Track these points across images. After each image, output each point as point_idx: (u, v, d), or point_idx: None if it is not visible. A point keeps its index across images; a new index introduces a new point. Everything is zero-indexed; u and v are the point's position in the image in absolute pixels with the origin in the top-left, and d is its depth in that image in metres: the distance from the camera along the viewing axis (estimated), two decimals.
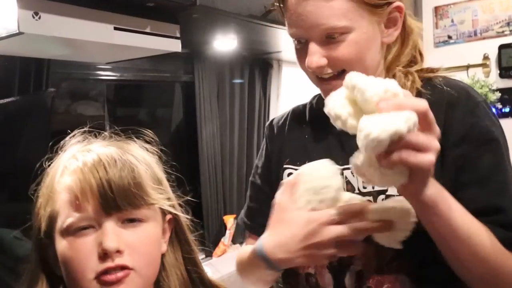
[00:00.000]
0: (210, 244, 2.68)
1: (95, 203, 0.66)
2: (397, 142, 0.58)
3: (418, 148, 0.60)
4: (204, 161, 2.68)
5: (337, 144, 0.90)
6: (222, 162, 2.79)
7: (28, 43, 1.36)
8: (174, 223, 0.76)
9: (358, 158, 0.65)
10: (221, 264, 2.07)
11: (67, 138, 0.76)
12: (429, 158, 0.61)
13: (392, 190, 0.82)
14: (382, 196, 0.83)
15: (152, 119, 2.93)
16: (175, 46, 1.59)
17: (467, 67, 3.34)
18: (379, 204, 0.73)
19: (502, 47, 3.24)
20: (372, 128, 0.58)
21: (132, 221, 0.68)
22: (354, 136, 0.86)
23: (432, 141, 0.61)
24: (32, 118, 1.68)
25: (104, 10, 1.37)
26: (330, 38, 0.81)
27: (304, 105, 1.03)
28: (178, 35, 1.60)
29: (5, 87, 1.58)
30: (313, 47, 0.83)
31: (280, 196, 0.80)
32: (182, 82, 2.83)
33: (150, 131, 0.79)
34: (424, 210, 0.68)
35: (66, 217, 0.66)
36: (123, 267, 0.65)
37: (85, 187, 0.66)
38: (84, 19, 1.32)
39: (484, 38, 3.35)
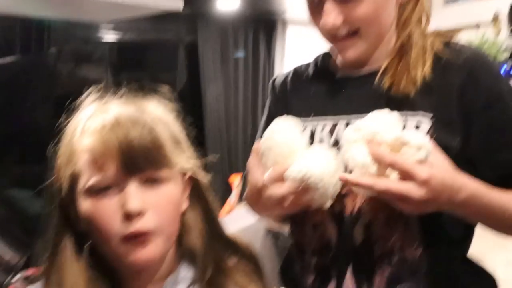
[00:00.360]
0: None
1: (116, 164, 0.66)
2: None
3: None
4: (209, 122, 2.68)
5: (344, 95, 0.90)
6: (227, 123, 2.79)
7: (28, 2, 1.34)
8: (193, 181, 0.76)
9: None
10: (228, 223, 2.10)
11: (83, 96, 0.75)
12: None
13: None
14: None
15: (155, 82, 2.91)
16: (176, 4, 1.56)
17: (477, 26, 3.26)
18: (295, 170, 0.74)
19: None
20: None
21: (153, 181, 0.69)
22: (363, 90, 0.88)
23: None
24: (35, 79, 1.68)
25: None
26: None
27: (307, 64, 1.02)
28: None
29: (6, 47, 1.57)
30: (330, 5, 0.82)
31: (249, 159, 0.85)
32: (185, 43, 2.79)
33: (167, 87, 0.79)
34: (455, 210, 0.75)
35: (88, 178, 0.66)
36: (145, 232, 0.66)
37: (106, 148, 0.66)
38: None
39: None
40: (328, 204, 0.77)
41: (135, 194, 0.66)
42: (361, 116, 0.84)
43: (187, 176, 0.75)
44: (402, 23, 0.89)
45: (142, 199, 0.66)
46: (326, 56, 1.00)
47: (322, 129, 0.88)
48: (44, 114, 1.72)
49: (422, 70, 0.83)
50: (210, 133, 2.68)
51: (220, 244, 0.78)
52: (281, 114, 0.98)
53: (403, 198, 0.70)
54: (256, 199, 0.82)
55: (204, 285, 0.74)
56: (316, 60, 1.01)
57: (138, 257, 0.66)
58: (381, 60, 0.89)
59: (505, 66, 3.15)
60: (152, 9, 1.54)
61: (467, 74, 0.83)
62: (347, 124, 0.86)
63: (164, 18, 1.87)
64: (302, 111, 0.93)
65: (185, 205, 0.76)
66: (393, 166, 0.70)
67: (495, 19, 3.25)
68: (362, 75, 0.91)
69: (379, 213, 0.83)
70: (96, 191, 0.67)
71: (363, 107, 0.85)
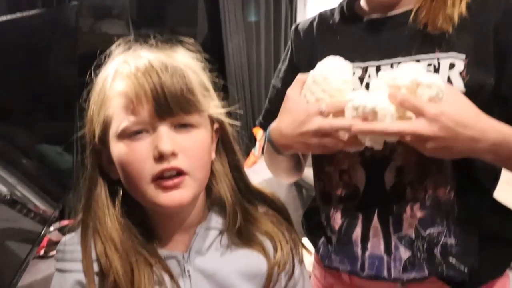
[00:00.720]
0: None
1: (149, 108, 0.67)
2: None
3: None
4: (231, 75, 2.65)
5: (374, 40, 0.88)
6: (249, 75, 2.76)
7: None
8: (221, 132, 0.77)
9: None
10: (252, 174, 2.13)
11: (113, 46, 0.75)
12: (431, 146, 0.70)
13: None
14: None
15: (177, 36, 2.89)
16: None
17: None
18: (360, 101, 0.72)
19: None
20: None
21: (184, 126, 0.70)
22: (394, 32, 0.85)
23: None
24: (58, 33, 1.68)
25: None
26: None
27: (332, 10, 0.99)
28: None
29: (28, 0, 1.56)
30: None
31: (290, 89, 0.83)
32: None
33: (192, 39, 0.78)
34: (484, 156, 0.73)
35: (121, 121, 0.68)
36: (178, 172, 0.68)
37: (139, 91, 0.67)
38: None
39: None
40: (378, 147, 0.75)
41: (167, 136, 0.67)
42: (391, 61, 0.84)
43: (215, 126, 0.76)
44: None
45: (174, 141, 0.68)
46: (352, 0, 0.96)
47: (353, 74, 0.86)
48: (68, 71, 1.73)
49: (459, 6, 0.80)
50: (232, 86, 2.67)
51: (247, 193, 0.80)
52: (307, 61, 0.96)
53: (417, 137, 0.69)
54: (296, 128, 0.79)
55: (234, 233, 0.76)
56: (341, 4, 0.98)
57: (171, 200, 0.68)
58: (410, 0, 0.86)
59: None
60: None
61: (503, 13, 0.80)
62: (377, 69, 0.85)
63: None
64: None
65: (213, 154, 0.77)
66: (403, 104, 0.69)
67: None
68: (393, 15, 0.87)
69: (411, 156, 0.82)
70: (128, 134, 0.68)
71: (395, 50, 0.83)
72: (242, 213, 0.77)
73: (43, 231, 1.47)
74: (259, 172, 1.97)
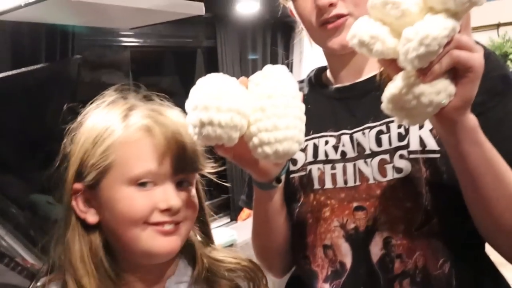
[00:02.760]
0: (235, 208, 2.73)
1: (170, 162, 0.68)
2: (446, 45, 0.56)
3: (467, 48, 0.57)
4: None
5: (344, 109, 0.87)
6: None
7: (54, 9, 1.37)
8: (196, 182, 0.78)
9: (393, 86, 0.61)
10: (246, 227, 2.11)
11: (100, 95, 0.76)
12: (480, 55, 0.58)
13: (413, 145, 0.78)
14: (401, 152, 0.78)
15: (174, 87, 2.94)
16: (198, 9, 1.57)
17: (498, 25, 3.21)
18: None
19: None
20: (428, 29, 0.54)
21: (182, 184, 0.72)
22: (362, 100, 0.84)
23: (474, 42, 0.59)
24: (60, 85, 1.71)
25: None
26: None
27: (302, 81, 0.99)
28: None
29: (33, 54, 1.60)
30: None
31: None
32: (204, 47, 2.81)
33: (167, 96, 0.79)
34: (465, 136, 0.64)
35: (136, 168, 0.68)
36: (176, 222, 0.70)
37: (165, 144, 0.68)
38: None
39: None
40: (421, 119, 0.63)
41: (175, 192, 0.69)
42: (363, 127, 0.83)
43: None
44: None
45: (180, 198, 0.70)
46: (319, 71, 0.98)
47: (326, 143, 0.86)
48: (67, 120, 1.74)
49: None
50: None
51: (208, 242, 0.81)
52: None
53: (467, 63, 0.58)
54: None
55: (202, 284, 0.76)
56: (309, 75, 0.99)
57: (168, 244, 0.69)
58: (371, 64, 0.86)
59: None
60: (175, 14, 1.55)
61: None
62: (350, 138, 0.84)
63: (183, 23, 1.89)
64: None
65: None
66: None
67: None
68: (359, 82, 0.88)
69: (398, 224, 0.78)
70: (136, 182, 0.68)
71: (365, 117, 0.83)
72: (209, 264, 0.77)
73: (30, 286, 1.42)
74: (249, 228, 1.96)
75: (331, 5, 0.80)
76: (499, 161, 0.68)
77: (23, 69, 1.40)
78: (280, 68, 0.70)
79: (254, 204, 0.86)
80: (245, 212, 2.65)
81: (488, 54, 0.78)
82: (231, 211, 2.77)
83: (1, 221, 1.60)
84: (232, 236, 2.33)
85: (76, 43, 1.78)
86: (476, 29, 3.21)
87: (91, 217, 0.71)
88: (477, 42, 0.79)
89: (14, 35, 1.62)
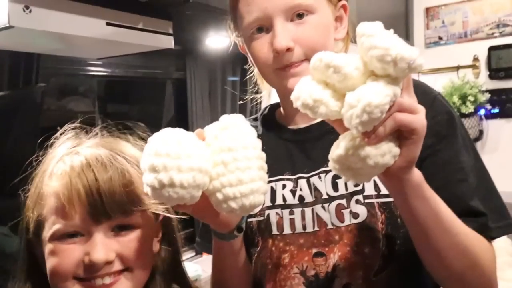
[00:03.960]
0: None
1: (83, 211, 0.63)
2: (390, 108, 0.57)
3: (409, 110, 0.58)
4: None
5: (300, 152, 0.87)
6: None
7: (18, 37, 1.34)
8: (165, 222, 0.75)
9: (340, 148, 0.61)
10: (211, 262, 2.07)
11: (57, 134, 0.74)
12: (422, 117, 0.60)
13: (368, 189, 0.79)
14: (357, 197, 0.79)
15: (143, 116, 2.91)
16: (167, 42, 1.58)
17: (457, 68, 3.36)
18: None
19: (491, 49, 3.28)
20: (371, 97, 0.55)
21: (123, 228, 0.66)
22: (318, 142, 0.83)
23: (417, 103, 0.61)
24: (22, 113, 1.66)
25: (96, 5, 1.35)
26: (297, 17, 0.81)
27: (256, 118, 1.00)
28: (170, 31, 1.59)
29: None
30: (279, 26, 0.80)
31: None
32: (173, 79, 2.81)
33: (142, 124, 0.77)
34: (412, 192, 0.65)
35: (53, 224, 0.64)
36: (112, 273, 0.64)
37: (73, 193, 0.63)
38: (76, 13, 1.30)
39: (474, 40, 3.39)
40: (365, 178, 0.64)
41: (101, 243, 0.63)
42: (319, 171, 0.83)
43: (161, 217, 0.73)
44: None
45: (110, 247, 0.64)
46: (272, 109, 0.98)
47: (283, 187, 0.85)
48: (29, 148, 1.69)
49: None
50: None
51: (180, 284, 0.77)
52: None
53: (410, 126, 0.59)
54: None
55: None
56: (262, 113, 0.98)
57: None
58: None
59: (486, 106, 3.24)
60: (144, 47, 1.56)
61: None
62: (307, 182, 0.84)
63: (153, 54, 1.89)
64: None
65: (156, 247, 0.74)
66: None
67: (475, 61, 3.37)
68: (315, 123, 0.88)
69: (357, 270, 0.78)
70: (60, 237, 0.64)
71: (322, 160, 0.82)
72: None
73: None
74: (208, 266, 1.92)
75: (288, 49, 0.80)
76: (447, 212, 0.69)
77: None
78: (238, 118, 0.68)
79: (214, 253, 0.84)
80: None
81: (434, 98, 0.82)
82: (195, 245, 2.72)
83: None
84: (196, 271, 2.27)
85: (42, 71, 1.75)
86: (437, 70, 3.35)
87: (45, 267, 0.68)
88: (422, 85, 0.82)
89: None
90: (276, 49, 0.80)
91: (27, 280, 0.69)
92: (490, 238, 0.75)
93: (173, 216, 0.74)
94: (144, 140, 0.74)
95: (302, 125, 0.90)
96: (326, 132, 0.83)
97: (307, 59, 0.81)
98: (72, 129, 0.74)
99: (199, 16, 1.84)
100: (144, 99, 2.93)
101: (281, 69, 0.83)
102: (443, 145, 0.79)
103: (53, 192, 0.65)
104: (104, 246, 0.63)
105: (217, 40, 2.39)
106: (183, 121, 2.71)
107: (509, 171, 2.74)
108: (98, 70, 2.32)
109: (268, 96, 3.42)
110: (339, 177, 0.81)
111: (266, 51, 0.83)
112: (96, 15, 1.35)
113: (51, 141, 0.73)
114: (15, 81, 1.61)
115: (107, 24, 1.38)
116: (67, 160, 0.67)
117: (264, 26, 0.83)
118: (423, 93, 0.80)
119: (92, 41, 1.42)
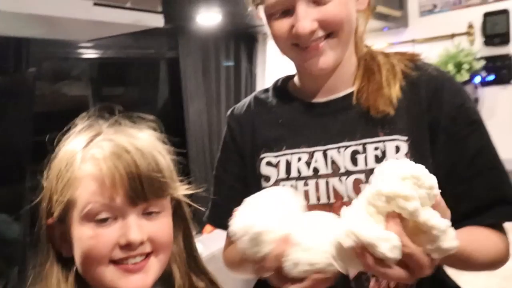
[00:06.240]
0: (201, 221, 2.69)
1: (124, 193, 0.66)
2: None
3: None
4: (191, 139, 2.66)
5: (317, 125, 0.87)
6: (210, 139, 2.77)
7: (4, 21, 1.32)
8: (178, 209, 0.77)
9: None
10: (211, 240, 2.10)
11: (76, 120, 0.74)
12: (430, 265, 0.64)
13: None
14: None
15: (137, 98, 2.89)
16: (157, 21, 1.55)
17: (452, 36, 3.33)
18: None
19: (486, 15, 3.24)
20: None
21: (151, 212, 0.70)
22: (338, 116, 0.84)
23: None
24: (14, 99, 1.65)
25: None
26: None
27: (267, 90, 0.99)
28: (160, 9, 1.56)
29: None
30: (302, 10, 0.80)
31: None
32: (166, 58, 2.78)
33: (153, 117, 0.79)
34: (441, 262, 0.70)
35: (90, 205, 0.66)
36: (143, 254, 0.68)
37: (116, 176, 0.66)
38: None
39: (468, 6, 3.34)
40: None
41: (136, 225, 0.67)
42: (338, 146, 0.84)
43: (173, 202, 0.76)
44: (357, 38, 0.89)
45: (143, 229, 0.67)
46: (284, 82, 0.97)
47: (299, 160, 0.86)
48: (22, 133, 1.69)
49: (394, 89, 0.83)
50: (192, 148, 2.66)
51: (196, 270, 0.79)
52: (250, 147, 0.93)
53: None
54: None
55: None
56: (275, 86, 0.98)
57: (133, 285, 0.67)
58: (345, 82, 0.87)
59: (482, 73, 3.22)
60: (133, 26, 1.53)
61: (432, 93, 0.83)
62: (324, 153, 0.84)
63: (145, 34, 1.87)
64: (272, 144, 0.89)
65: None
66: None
67: (470, 29, 3.33)
68: (334, 99, 0.88)
69: None
70: (95, 219, 0.66)
71: (340, 135, 0.84)
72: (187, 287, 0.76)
73: None
74: (214, 241, 1.94)
75: (310, 32, 0.81)
76: (479, 238, 0.76)
77: None
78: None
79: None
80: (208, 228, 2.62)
81: (461, 87, 0.86)
82: (196, 224, 2.74)
83: None
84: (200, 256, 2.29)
85: (33, 55, 1.72)
86: (432, 39, 3.32)
87: (65, 251, 0.70)
88: (449, 77, 0.89)
89: None
90: (299, 34, 0.81)
91: (49, 260, 0.70)
92: None
93: (189, 202, 0.78)
94: (156, 129, 0.76)
95: (321, 99, 0.90)
96: (346, 108, 0.84)
97: (327, 35, 0.82)
98: (87, 118, 0.74)
99: None
100: (138, 81, 2.91)
101: (301, 48, 0.83)
102: (472, 131, 0.82)
103: (91, 175, 0.67)
104: (138, 227, 0.67)
105: (208, 17, 2.36)
106: (178, 101, 2.70)
107: (506, 137, 2.74)
108: (89, 52, 2.29)
109: (263, 73, 3.37)
110: (359, 153, 0.82)
111: (286, 31, 0.83)
112: None
113: (67, 128, 0.74)
114: (5, 67, 1.59)
115: (95, 4, 1.35)
116: (104, 145, 0.69)
117: (287, 9, 0.82)
118: (451, 81, 0.86)
119: (79, 23, 1.40)
